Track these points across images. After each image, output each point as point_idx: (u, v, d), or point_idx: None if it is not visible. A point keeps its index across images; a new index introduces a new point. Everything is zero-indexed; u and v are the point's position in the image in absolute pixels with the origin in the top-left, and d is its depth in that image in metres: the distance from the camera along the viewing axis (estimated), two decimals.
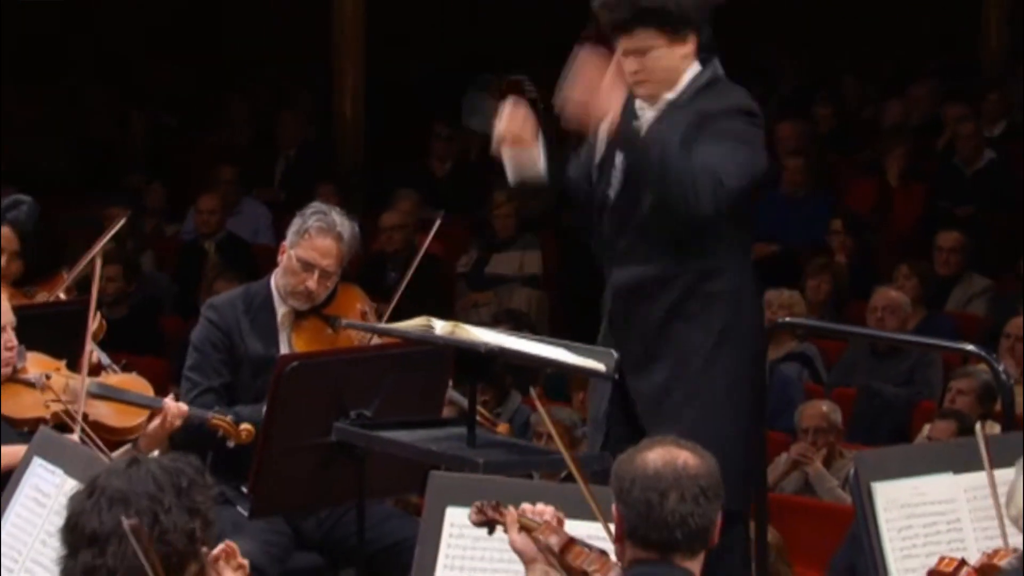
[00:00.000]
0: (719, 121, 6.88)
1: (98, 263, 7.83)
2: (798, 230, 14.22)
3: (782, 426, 10.78)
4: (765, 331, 7.58)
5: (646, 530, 5.23)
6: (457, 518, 6.00)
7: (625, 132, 6.77)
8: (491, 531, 5.75)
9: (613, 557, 5.46)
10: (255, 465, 7.21)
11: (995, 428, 8.40)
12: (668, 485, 5.21)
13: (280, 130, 17.33)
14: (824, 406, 10.62)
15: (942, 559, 5.77)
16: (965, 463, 6.08)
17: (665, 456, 5.27)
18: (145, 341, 11.08)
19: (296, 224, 7.82)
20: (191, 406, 7.59)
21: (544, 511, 5.67)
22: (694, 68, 7.02)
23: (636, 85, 6.94)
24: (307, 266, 7.70)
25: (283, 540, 7.45)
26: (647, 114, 6.99)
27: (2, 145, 14.95)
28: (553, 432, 6.16)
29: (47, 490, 6.21)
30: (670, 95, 6.98)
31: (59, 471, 6.20)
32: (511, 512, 5.69)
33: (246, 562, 5.46)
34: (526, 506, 5.71)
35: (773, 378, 11.05)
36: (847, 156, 16.41)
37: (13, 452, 6.81)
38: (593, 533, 5.68)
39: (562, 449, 5.93)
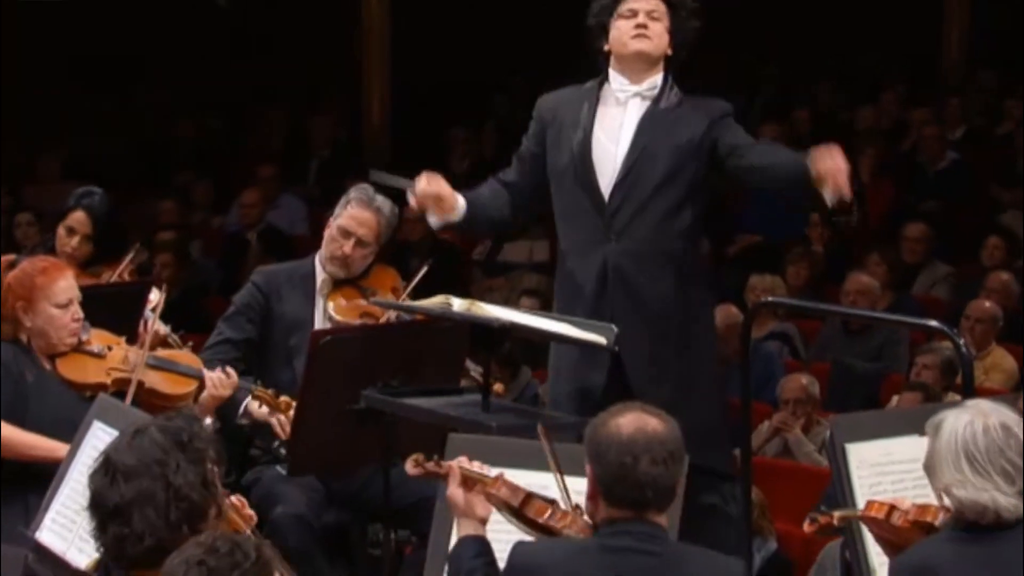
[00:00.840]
0: (727, 119, 7.16)
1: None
2: (780, 223, 14.21)
3: (764, 398, 10.79)
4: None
5: (621, 491, 5.23)
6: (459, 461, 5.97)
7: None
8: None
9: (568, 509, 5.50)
10: (292, 429, 7.23)
11: (956, 399, 8.39)
12: (641, 450, 5.20)
13: (314, 133, 17.41)
14: (803, 379, 10.62)
15: (871, 504, 5.77)
16: (917, 424, 6.08)
17: (636, 423, 5.26)
18: (193, 320, 11.06)
19: (342, 199, 7.87)
20: (209, 350, 7.69)
21: (483, 466, 5.68)
22: (662, 74, 7.13)
23: (637, 38, 7.02)
24: (346, 234, 7.72)
25: (316, 497, 7.43)
26: (631, 103, 7.12)
27: (69, 144, 15.02)
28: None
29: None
30: (650, 83, 7.09)
31: (116, 432, 6.19)
32: (451, 465, 5.70)
33: (253, 513, 5.48)
34: (465, 460, 5.71)
35: (756, 354, 11.06)
36: None
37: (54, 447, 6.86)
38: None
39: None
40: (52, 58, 16.94)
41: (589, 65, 7.29)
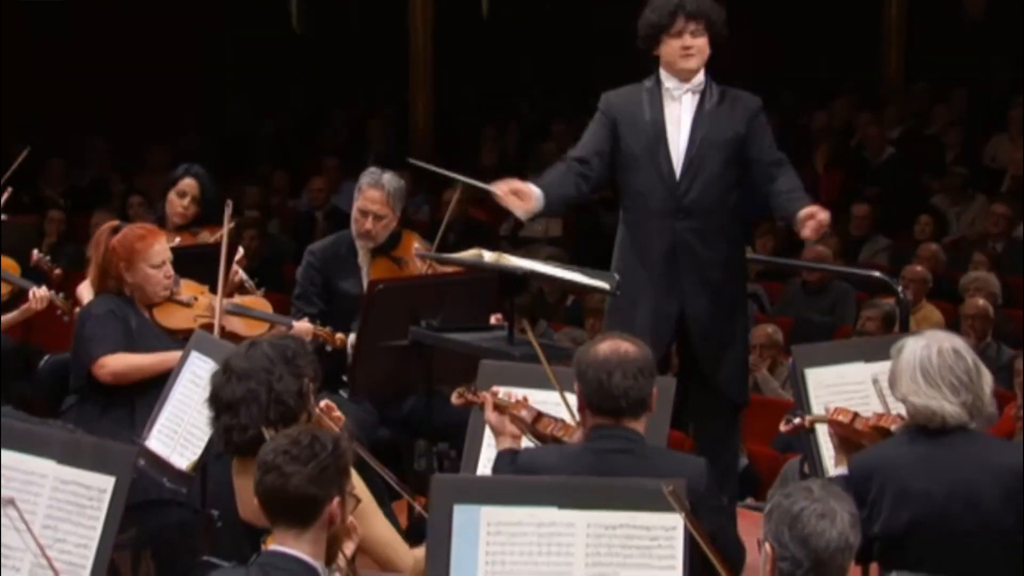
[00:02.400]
0: (760, 117, 7.09)
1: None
2: (750, 203, 14.13)
3: None
4: None
5: (599, 401, 5.22)
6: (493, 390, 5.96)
7: None
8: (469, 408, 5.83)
9: (572, 423, 5.50)
10: (353, 360, 7.25)
11: None
12: (613, 367, 5.19)
13: (370, 132, 17.40)
14: (769, 329, 10.58)
15: (838, 409, 5.77)
16: (874, 355, 6.08)
17: (611, 346, 5.26)
18: (272, 282, 11.09)
19: (357, 186, 7.83)
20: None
21: (512, 392, 5.69)
22: (703, 73, 7.04)
23: (687, 58, 6.95)
24: (363, 213, 7.71)
25: (370, 418, 7.44)
26: (685, 99, 7.01)
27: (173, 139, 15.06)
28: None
29: (201, 375, 6.20)
30: (697, 81, 7.00)
31: (210, 361, 6.19)
32: (485, 395, 5.71)
33: (341, 415, 5.49)
34: (498, 389, 5.72)
35: None
36: (786, 151, 16.31)
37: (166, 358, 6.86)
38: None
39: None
40: (158, 66, 16.94)
41: (594, 83, 7.27)
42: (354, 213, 7.78)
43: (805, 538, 4.22)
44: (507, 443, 5.62)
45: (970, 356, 5.32)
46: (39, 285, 7.94)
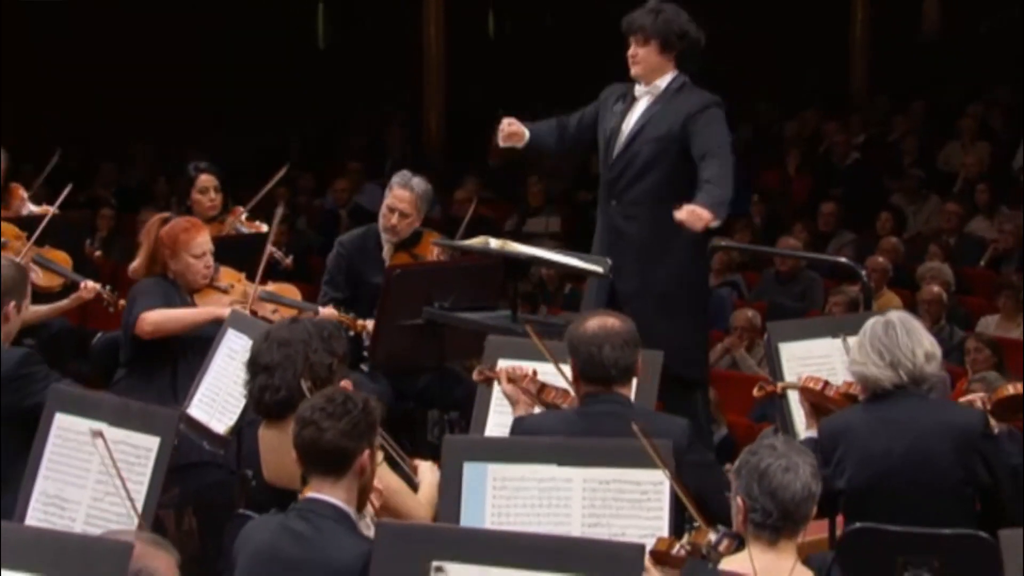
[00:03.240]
0: (700, 114, 6.84)
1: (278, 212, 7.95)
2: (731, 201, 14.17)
3: (719, 327, 10.77)
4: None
5: (591, 372, 5.23)
6: (505, 365, 5.95)
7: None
8: (489, 384, 5.83)
9: (571, 391, 5.49)
10: (373, 338, 7.24)
11: None
12: (602, 340, 5.20)
13: (388, 138, 17.36)
14: (749, 312, 10.62)
15: (810, 378, 5.78)
16: (839, 331, 6.09)
17: (599, 322, 5.28)
18: (300, 272, 11.11)
19: (388, 185, 7.83)
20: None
21: (522, 367, 5.71)
22: (672, 74, 6.96)
23: (632, 66, 6.94)
24: (391, 210, 7.69)
25: (386, 392, 7.39)
26: (643, 99, 6.96)
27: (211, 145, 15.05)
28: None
29: (237, 349, 6.20)
30: (659, 83, 6.93)
31: (244, 336, 6.20)
32: (501, 370, 5.74)
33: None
34: (510, 365, 5.75)
35: (713, 296, 11.06)
36: (761, 156, 16.36)
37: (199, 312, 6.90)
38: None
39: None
40: (198, 81, 16.97)
41: (589, 93, 7.27)
42: (383, 208, 7.77)
43: (773, 491, 4.23)
44: (521, 410, 5.64)
45: (903, 328, 5.35)
46: (89, 276, 7.94)
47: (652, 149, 6.91)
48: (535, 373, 5.68)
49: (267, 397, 5.07)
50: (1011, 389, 5.71)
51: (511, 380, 5.66)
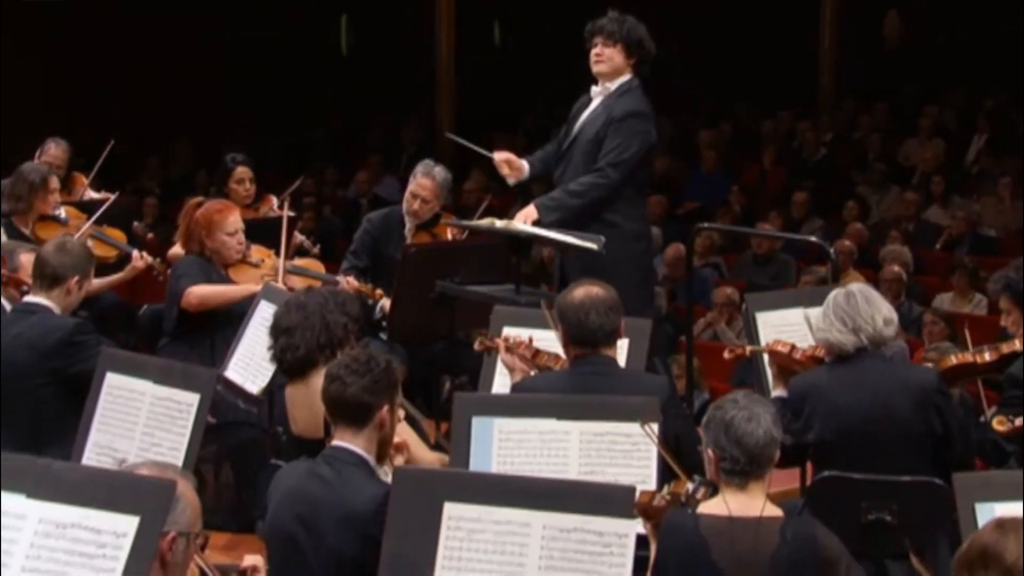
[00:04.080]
0: (621, 122, 6.80)
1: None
2: (712, 193, 14.19)
3: (703, 303, 10.76)
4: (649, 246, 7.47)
5: (579, 336, 5.21)
6: (510, 335, 5.94)
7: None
8: (488, 353, 5.82)
9: (563, 355, 5.47)
10: (391, 309, 7.23)
11: None
12: (588, 307, 5.18)
13: (404, 135, 17.34)
14: (728, 290, 10.58)
15: (778, 342, 5.79)
16: (810, 302, 6.07)
17: (584, 291, 5.25)
18: (326, 255, 11.12)
19: (413, 172, 7.81)
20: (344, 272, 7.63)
21: (520, 336, 5.69)
22: (626, 77, 6.93)
23: (595, 64, 6.92)
24: (414, 196, 7.67)
25: (405, 356, 7.36)
26: (596, 99, 6.96)
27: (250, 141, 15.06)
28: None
29: (268, 318, 6.16)
30: (611, 85, 6.92)
31: (275, 307, 6.18)
32: (500, 340, 5.72)
33: None
34: (509, 334, 5.73)
35: (697, 276, 11.07)
36: (741, 151, 16.35)
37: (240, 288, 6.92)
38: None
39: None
40: (233, 84, 16.97)
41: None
42: (407, 194, 7.75)
43: (739, 439, 4.22)
44: (518, 377, 5.61)
45: (863, 297, 5.37)
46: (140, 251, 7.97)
47: (583, 149, 6.92)
48: (531, 340, 5.67)
49: (288, 356, 5.09)
50: (954, 359, 5.75)
51: (509, 349, 5.65)
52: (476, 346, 5.90)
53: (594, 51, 6.93)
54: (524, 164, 7.13)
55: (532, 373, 5.63)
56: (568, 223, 6.68)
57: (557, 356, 5.55)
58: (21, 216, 7.74)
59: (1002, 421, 5.17)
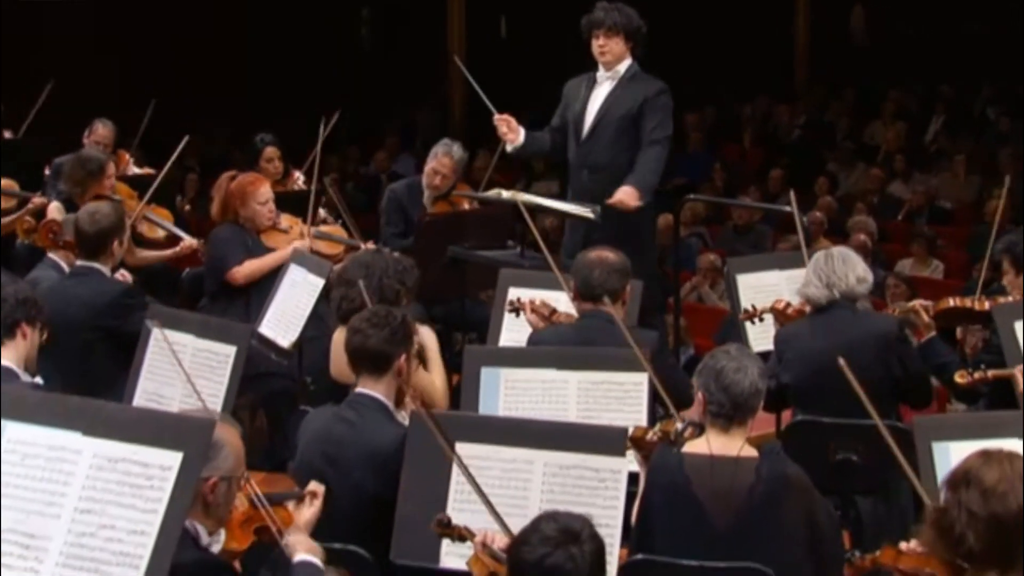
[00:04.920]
0: (655, 100, 6.83)
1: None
2: (697, 170, 14.12)
3: (688, 268, 10.70)
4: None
5: (585, 290, 5.26)
6: (515, 295, 5.92)
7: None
8: (517, 314, 5.78)
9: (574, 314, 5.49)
10: None
11: None
12: (596, 266, 5.22)
13: (420, 117, 17.28)
14: (711, 257, 10.58)
15: (779, 300, 5.79)
16: (785, 265, 6.10)
17: (597, 254, 5.31)
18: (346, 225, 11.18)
19: (432, 150, 7.82)
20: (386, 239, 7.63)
21: (536, 300, 5.70)
22: (628, 61, 6.94)
23: (601, 55, 6.92)
24: (434, 172, 7.67)
25: (420, 313, 7.36)
26: (604, 84, 6.95)
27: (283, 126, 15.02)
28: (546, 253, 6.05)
29: (298, 280, 6.21)
30: (620, 68, 6.92)
31: (303, 269, 6.20)
32: (527, 301, 5.72)
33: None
34: (529, 299, 5.73)
35: (683, 244, 11.00)
36: (723, 132, 16.31)
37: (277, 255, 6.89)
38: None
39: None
40: (267, 72, 16.94)
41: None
42: (427, 168, 7.75)
43: (726, 387, 4.22)
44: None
45: (840, 258, 5.42)
46: (184, 227, 8.01)
47: (616, 127, 6.90)
48: (545, 303, 5.68)
49: (344, 305, 5.10)
50: (952, 302, 5.74)
51: (534, 310, 5.66)
52: (507, 308, 5.84)
53: (598, 44, 6.92)
54: (521, 130, 7.11)
55: None
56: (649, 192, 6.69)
57: (570, 315, 5.56)
58: (80, 198, 7.73)
59: (963, 375, 5.16)
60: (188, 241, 7.68)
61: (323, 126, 7.97)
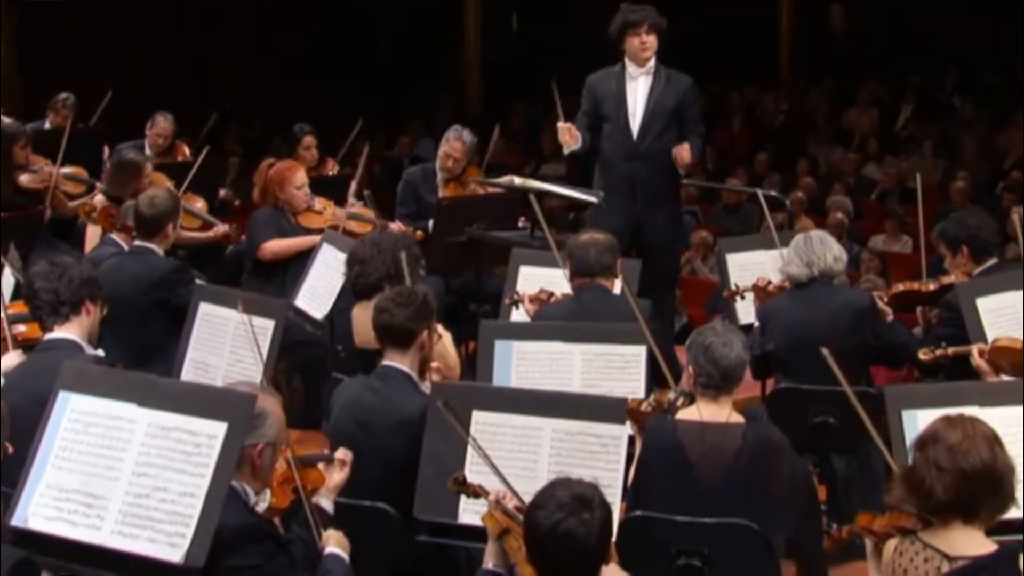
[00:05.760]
0: (691, 93, 6.96)
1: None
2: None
3: (682, 244, 10.60)
4: None
5: (582, 267, 5.25)
6: (525, 271, 5.94)
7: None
8: (518, 307, 5.73)
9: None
10: (429, 250, 7.16)
11: None
12: (590, 246, 5.24)
13: (440, 104, 17.16)
14: (704, 233, 10.59)
15: (760, 279, 5.80)
16: (770, 245, 6.09)
17: (589, 235, 5.33)
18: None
19: (445, 136, 7.79)
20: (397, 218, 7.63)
21: (533, 290, 5.66)
22: (654, 60, 6.94)
23: (645, 51, 6.89)
24: (447, 155, 7.63)
25: (439, 286, 7.36)
26: (640, 79, 6.92)
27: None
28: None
29: (329, 258, 6.21)
30: (648, 66, 6.91)
31: (335, 248, 6.20)
32: (525, 294, 5.68)
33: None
34: (525, 291, 5.71)
35: None
36: (713, 118, 16.19)
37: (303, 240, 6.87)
38: None
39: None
40: (298, 67, 16.89)
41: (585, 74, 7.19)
42: (441, 153, 7.72)
43: (715, 360, 4.23)
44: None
45: (818, 239, 5.43)
46: (224, 212, 8.00)
47: (668, 116, 6.90)
48: (543, 290, 5.67)
49: (360, 281, 5.10)
50: (901, 287, 5.76)
51: (532, 300, 5.65)
52: (506, 301, 5.83)
53: (640, 40, 6.89)
54: (579, 135, 7.01)
55: None
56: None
57: (568, 295, 5.55)
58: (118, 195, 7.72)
59: (926, 353, 5.15)
60: (220, 227, 7.66)
61: (359, 127, 7.96)
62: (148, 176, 7.56)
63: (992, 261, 5.53)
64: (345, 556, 3.64)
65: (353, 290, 5.22)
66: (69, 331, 4.50)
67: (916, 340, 5.53)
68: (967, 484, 3.10)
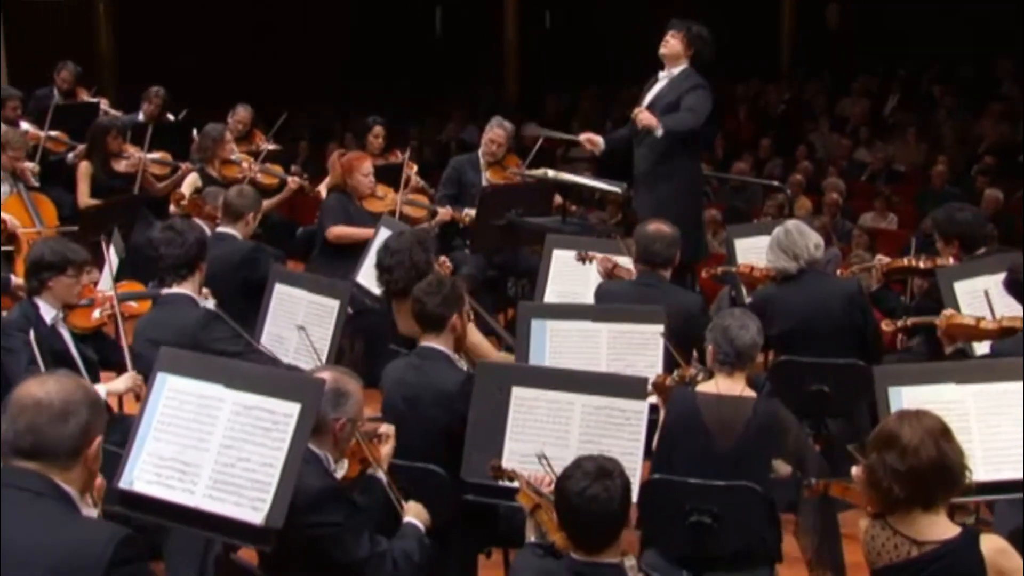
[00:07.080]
0: (692, 87, 6.68)
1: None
2: (702, 140, 13.89)
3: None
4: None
5: (645, 256, 5.21)
6: (561, 255, 5.89)
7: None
8: (585, 262, 5.67)
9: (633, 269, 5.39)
10: (474, 232, 7.19)
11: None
12: (656, 238, 5.18)
13: (481, 96, 16.97)
14: (714, 211, 10.41)
15: (745, 264, 5.74)
16: (767, 230, 6.00)
17: (655, 226, 5.24)
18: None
19: (488, 124, 7.79)
20: (439, 202, 7.57)
21: (616, 259, 5.59)
22: (685, 65, 6.75)
23: (661, 47, 6.74)
24: (490, 142, 7.65)
25: (483, 263, 7.37)
26: (661, 81, 6.80)
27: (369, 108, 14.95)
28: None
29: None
30: (675, 70, 6.73)
31: (391, 232, 6.15)
32: (599, 256, 5.65)
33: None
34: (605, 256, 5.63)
35: None
36: (721, 108, 15.96)
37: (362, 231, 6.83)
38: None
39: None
40: (361, 61, 16.82)
41: (617, 71, 7.08)
42: (484, 139, 7.74)
43: (732, 339, 4.22)
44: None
45: (797, 231, 5.34)
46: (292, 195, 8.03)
47: (662, 109, 6.73)
48: (608, 257, 5.64)
49: (391, 287, 5.02)
50: (896, 263, 5.67)
51: (600, 261, 5.62)
52: (575, 258, 5.74)
53: (665, 39, 6.75)
54: (601, 140, 6.90)
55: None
56: (668, 133, 6.51)
57: (629, 270, 5.52)
58: (209, 162, 7.77)
59: (888, 324, 5.16)
60: (294, 180, 7.70)
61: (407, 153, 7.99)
62: (229, 141, 7.69)
63: (980, 251, 5.48)
64: (421, 526, 3.65)
65: (386, 293, 5.21)
66: (185, 288, 4.77)
67: (902, 307, 5.53)
68: (922, 480, 3.08)
